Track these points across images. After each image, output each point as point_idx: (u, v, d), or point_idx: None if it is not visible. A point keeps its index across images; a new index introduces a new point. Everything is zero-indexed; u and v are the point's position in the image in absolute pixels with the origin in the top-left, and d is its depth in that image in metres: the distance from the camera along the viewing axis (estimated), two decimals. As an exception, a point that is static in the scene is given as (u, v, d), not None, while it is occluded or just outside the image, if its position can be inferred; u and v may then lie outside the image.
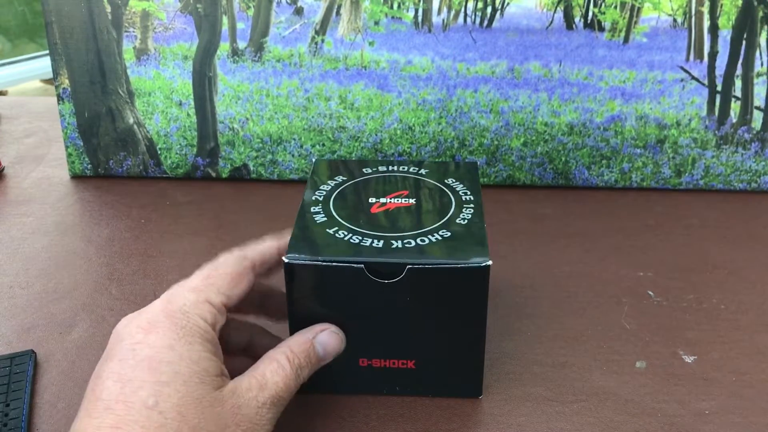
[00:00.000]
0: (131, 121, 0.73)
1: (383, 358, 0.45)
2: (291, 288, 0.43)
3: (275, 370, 0.39)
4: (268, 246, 0.44)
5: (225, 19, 0.70)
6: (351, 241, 0.43)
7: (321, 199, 0.48)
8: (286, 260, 0.42)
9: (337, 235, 0.44)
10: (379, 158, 0.73)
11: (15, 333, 0.53)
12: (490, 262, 0.42)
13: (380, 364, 0.45)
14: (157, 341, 0.36)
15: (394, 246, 0.43)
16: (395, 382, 0.46)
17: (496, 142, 0.72)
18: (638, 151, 0.71)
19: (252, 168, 0.75)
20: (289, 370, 0.40)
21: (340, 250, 0.43)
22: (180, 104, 0.73)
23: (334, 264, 0.42)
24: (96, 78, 0.72)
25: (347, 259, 0.42)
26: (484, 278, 0.42)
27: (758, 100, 0.69)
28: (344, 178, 0.51)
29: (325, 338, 0.42)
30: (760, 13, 0.66)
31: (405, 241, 0.43)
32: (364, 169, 0.52)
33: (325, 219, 0.46)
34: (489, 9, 0.69)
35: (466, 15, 0.69)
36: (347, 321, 0.44)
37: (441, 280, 0.42)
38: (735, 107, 0.69)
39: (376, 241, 0.43)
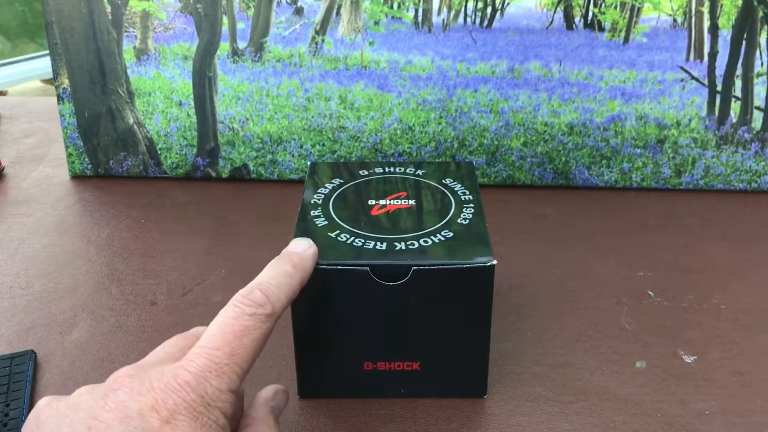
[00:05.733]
0: (131, 121, 0.73)
1: (388, 360, 0.45)
2: None
3: None
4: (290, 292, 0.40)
5: (225, 19, 0.70)
6: (354, 244, 0.43)
7: (320, 202, 0.48)
8: None
9: (339, 238, 0.44)
10: (379, 158, 0.73)
11: (15, 333, 0.53)
12: (494, 262, 0.42)
13: (385, 366, 0.45)
14: None
15: (397, 248, 0.43)
16: (400, 384, 0.46)
17: (496, 142, 0.72)
18: (638, 151, 0.71)
19: (252, 168, 0.75)
20: None
21: (343, 253, 0.43)
22: (180, 104, 0.73)
23: (338, 267, 0.42)
24: (96, 78, 0.72)
25: (352, 262, 0.42)
26: (489, 277, 0.42)
27: (758, 100, 0.69)
28: (342, 180, 0.51)
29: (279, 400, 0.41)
30: (760, 13, 0.66)
31: (408, 242, 0.43)
32: (361, 171, 0.52)
33: (326, 222, 0.46)
34: (489, 9, 0.69)
35: (466, 15, 0.69)
36: (351, 324, 0.44)
37: (446, 280, 0.42)
38: (735, 107, 0.69)
39: (379, 243, 0.43)
